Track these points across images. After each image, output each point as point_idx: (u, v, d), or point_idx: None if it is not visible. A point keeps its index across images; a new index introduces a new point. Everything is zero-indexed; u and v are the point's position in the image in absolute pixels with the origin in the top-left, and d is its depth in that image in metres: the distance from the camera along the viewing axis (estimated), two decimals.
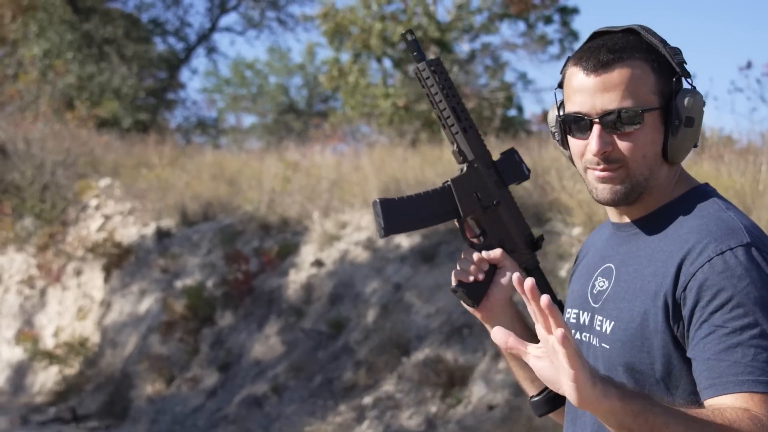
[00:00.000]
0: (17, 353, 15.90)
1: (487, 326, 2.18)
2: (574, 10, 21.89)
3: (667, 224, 1.95)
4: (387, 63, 21.42)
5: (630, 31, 2.01)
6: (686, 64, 1.98)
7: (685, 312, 1.83)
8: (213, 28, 30.08)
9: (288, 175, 14.46)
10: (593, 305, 2.03)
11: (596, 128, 1.96)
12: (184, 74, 31.64)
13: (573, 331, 2.07)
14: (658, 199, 2.00)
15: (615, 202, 2.00)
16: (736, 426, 1.69)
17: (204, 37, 30.05)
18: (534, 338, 2.21)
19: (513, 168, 2.22)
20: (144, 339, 13.40)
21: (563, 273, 9.10)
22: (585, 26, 34.52)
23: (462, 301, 2.17)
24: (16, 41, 26.21)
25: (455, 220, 2.21)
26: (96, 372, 13.96)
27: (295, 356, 11.12)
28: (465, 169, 2.20)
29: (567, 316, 2.15)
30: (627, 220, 2.05)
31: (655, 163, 1.97)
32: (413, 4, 20.62)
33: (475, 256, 2.17)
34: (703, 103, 1.97)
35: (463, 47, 22.09)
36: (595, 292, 2.05)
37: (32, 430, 12.40)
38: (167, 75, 29.23)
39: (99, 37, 26.44)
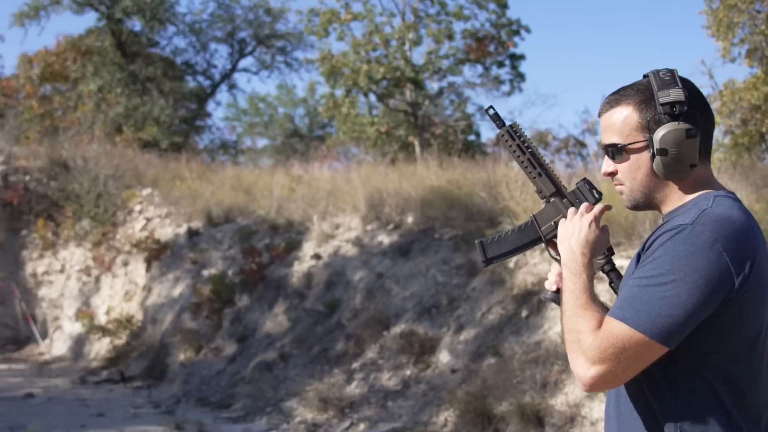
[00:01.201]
0: (77, 328, 15.90)
1: None
2: (521, 57, 22.03)
3: (673, 216, 2.03)
4: (372, 97, 21.47)
5: (646, 76, 2.10)
6: (680, 104, 1.99)
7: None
8: (233, 69, 30.06)
9: (293, 186, 14.49)
10: None
11: (605, 157, 2.14)
12: (210, 105, 31.58)
13: None
14: (677, 201, 2.07)
15: (630, 209, 2.19)
16: (582, 322, 1.93)
17: (226, 76, 30.03)
18: None
19: (584, 195, 2.24)
20: (178, 316, 13.40)
21: (511, 265, 9.16)
22: (529, 69, 34.79)
23: (552, 303, 2.28)
24: (76, 79, 26.17)
25: (543, 244, 2.31)
26: (139, 343, 13.96)
27: (298, 330, 11.14)
28: (544, 204, 2.30)
29: None
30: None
31: (651, 182, 2.07)
32: (393, 50, 20.67)
33: (558, 269, 2.27)
34: (684, 135, 1.98)
35: (433, 85, 22.16)
36: None
37: (89, 388, 12.39)
38: (197, 106, 29.21)
39: (142, 76, 26.44)
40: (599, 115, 2.15)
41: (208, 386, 11.25)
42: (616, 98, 2.10)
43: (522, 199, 10.00)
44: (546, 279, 2.32)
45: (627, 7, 66.30)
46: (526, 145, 2.29)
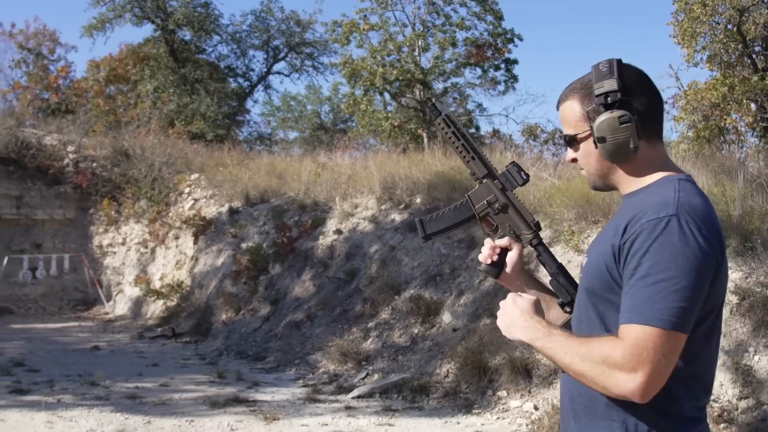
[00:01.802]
0: (136, 291, 15.92)
1: (509, 288, 2.17)
2: (515, 61, 21.87)
3: (637, 199, 1.87)
4: (387, 96, 21.34)
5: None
6: (612, 93, 1.86)
7: (624, 259, 1.78)
8: (268, 72, 29.91)
9: (318, 171, 14.40)
10: (588, 252, 2.00)
11: (567, 146, 2.01)
12: (249, 103, 31.41)
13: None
14: (635, 182, 1.92)
15: (594, 190, 2.04)
16: (599, 348, 1.73)
17: (262, 78, 29.89)
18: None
19: (513, 177, 2.13)
20: (220, 282, 13.37)
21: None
22: (522, 71, 34.60)
23: (487, 275, 2.16)
24: (136, 81, 26.20)
25: (476, 221, 2.19)
26: (188, 304, 13.95)
27: (322, 295, 11.09)
28: (477, 185, 2.18)
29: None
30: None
31: (602, 166, 1.93)
32: (405, 56, 20.50)
33: (490, 244, 2.15)
34: (618, 122, 1.85)
35: (439, 85, 22.00)
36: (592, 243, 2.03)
37: (145, 343, 12.40)
38: (237, 104, 29.12)
39: (191, 78, 26.36)
40: (557, 108, 2.02)
41: (246, 342, 11.22)
42: (566, 93, 1.98)
43: None
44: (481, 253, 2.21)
45: (606, 19, 65.78)
46: (460, 132, 2.17)
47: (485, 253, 2.16)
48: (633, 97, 1.87)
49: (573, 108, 1.95)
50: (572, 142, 1.97)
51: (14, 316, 16.30)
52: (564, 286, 2.06)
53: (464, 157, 2.17)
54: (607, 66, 1.90)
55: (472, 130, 22.60)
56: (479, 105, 24.17)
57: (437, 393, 7.72)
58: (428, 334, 8.94)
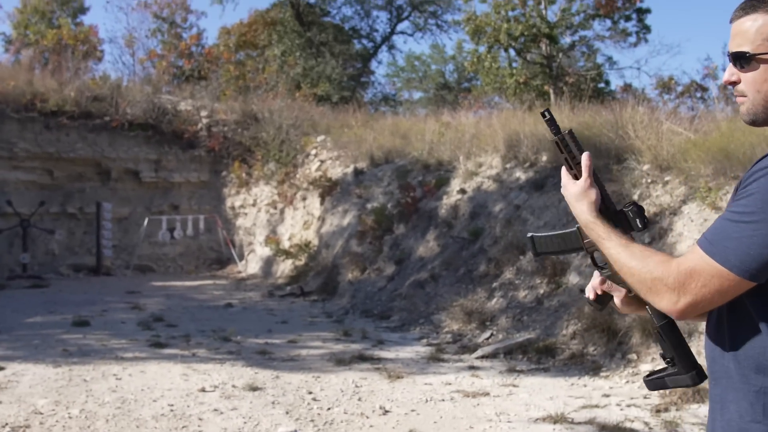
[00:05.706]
0: (266, 251, 16.43)
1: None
2: (647, 10, 20.89)
3: None
4: (512, 52, 20.83)
5: None
6: None
7: None
8: (392, 32, 29.89)
9: (442, 131, 14.26)
10: None
11: (729, 65, 1.73)
12: (373, 64, 31.46)
13: None
14: None
15: (746, 123, 1.76)
16: (656, 267, 1.67)
17: (386, 38, 29.91)
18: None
19: (629, 220, 1.84)
20: (346, 242, 13.56)
21: (635, 197, 8.68)
22: (655, 21, 32.70)
23: (592, 307, 2.02)
24: (264, 46, 26.75)
25: (585, 251, 1.96)
26: (316, 264, 14.26)
27: (446, 255, 11.04)
28: None
29: None
30: None
31: None
32: (530, 9, 19.93)
33: (594, 283, 1.93)
34: None
35: (566, 39, 21.31)
36: None
37: (275, 300, 12.79)
38: (362, 65, 29.29)
39: (317, 41, 26.67)
40: (731, 21, 1.72)
41: (371, 300, 11.36)
42: (753, 4, 1.67)
43: (646, 138, 9.43)
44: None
45: None
46: (575, 161, 1.90)
47: (589, 287, 1.97)
48: None
49: (761, 23, 1.65)
50: (746, 61, 1.68)
51: (155, 273, 17.22)
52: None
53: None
54: None
55: (602, 85, 21.77)
56: (609, 58, 23.32)
57: (563, 354, 7.55)
58: (554, 294, 8.73)
